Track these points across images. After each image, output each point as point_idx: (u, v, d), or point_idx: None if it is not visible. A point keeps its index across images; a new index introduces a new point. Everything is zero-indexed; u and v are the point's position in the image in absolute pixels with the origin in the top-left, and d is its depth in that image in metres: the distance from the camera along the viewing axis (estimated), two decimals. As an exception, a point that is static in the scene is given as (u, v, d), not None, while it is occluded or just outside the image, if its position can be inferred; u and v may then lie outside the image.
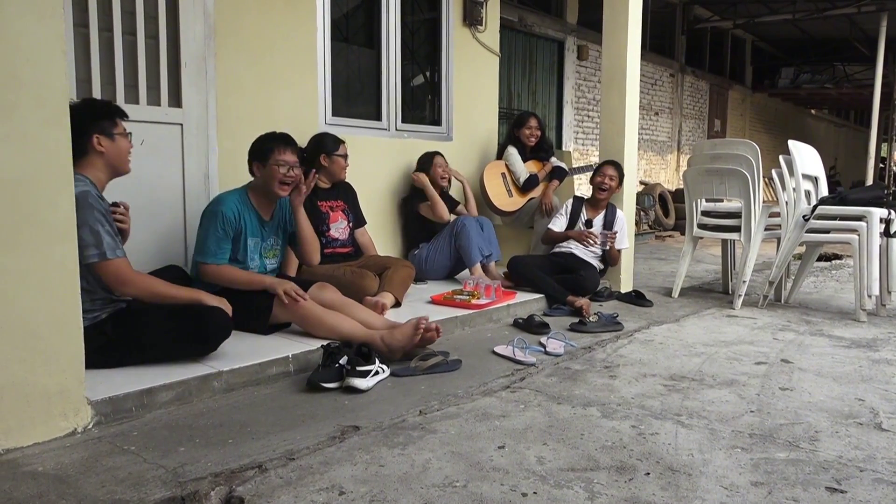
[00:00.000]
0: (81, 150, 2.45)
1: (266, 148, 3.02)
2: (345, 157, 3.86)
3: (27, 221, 1.95)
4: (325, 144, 3.82)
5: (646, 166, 11.08)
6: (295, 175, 3.03)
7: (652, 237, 8.83)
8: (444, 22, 5.04)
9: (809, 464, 1.95)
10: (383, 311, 3.30)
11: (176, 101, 3.47)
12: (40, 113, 1.95)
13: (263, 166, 3.01)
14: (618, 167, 4.50)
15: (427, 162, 4.53)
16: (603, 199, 4.49)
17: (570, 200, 4.60)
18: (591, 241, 4.33)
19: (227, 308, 2.65)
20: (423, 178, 4.45)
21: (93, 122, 2.47)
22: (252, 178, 3.09)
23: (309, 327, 2.92)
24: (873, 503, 1.73)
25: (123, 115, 2.58)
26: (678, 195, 9.36)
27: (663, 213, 9.51)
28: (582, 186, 8.66)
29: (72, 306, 2.07)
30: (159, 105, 3.40)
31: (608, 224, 4.47)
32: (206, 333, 2.55)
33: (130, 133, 2.59)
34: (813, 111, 18.42)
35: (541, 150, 5.11)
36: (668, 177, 11.59)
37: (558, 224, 4.54)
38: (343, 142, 3.87)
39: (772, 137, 14.80)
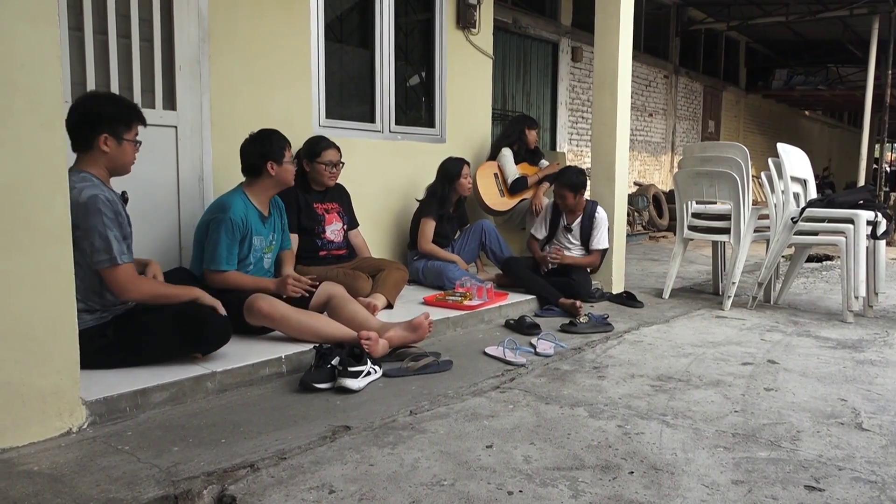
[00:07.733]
0: (87, 144, 2.44)
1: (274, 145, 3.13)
2: (328, 164, 3.75)
3: (22, 224, 1.98)
4: (310, 149, 3.79)
5: (640, 167, 11.12)
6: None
7: (646, 238, 8.88)
8: (438, 25, 5.07)
9: (790, 463, 2.00)
10: (374, 313, 3.33)
11: (170, 103, 3.49)
12: (35, 117, 1.98)
13: (277, 164, 3.11)
14: (566, 184, 4.32)
15: (455, 174, 4.38)
16: (571, 211, 4.42)
17: (549, 206, 4.54)
18: (548, 266, 4.32)
19: (222, 310, 2.68)
20: (466, 263, 4.46)
21: (108, 120, 2.44)
22: (244, 178, 3.14)
23: (285, 330, 2.92)
24: (850, 501, 1.78)
25: (142, 122, 2.55)
26: (672, 196, 9.38)
27: (657, 213, 9.56)
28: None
29: (66, 308, 2.10)
30: (154, 108, 3.42)
31: (585, 226, 4.41)
32: (205, 339, 2.59)
33: (139, 142, 2.56)
34: (807, 112, 18.49)
35: (535, 154, 5.19)
36: (663, 178, 11.64)
37: (540, 232, 4.53)
38: (332, 147, 3.79)
39: (766, 139, 14.86)
